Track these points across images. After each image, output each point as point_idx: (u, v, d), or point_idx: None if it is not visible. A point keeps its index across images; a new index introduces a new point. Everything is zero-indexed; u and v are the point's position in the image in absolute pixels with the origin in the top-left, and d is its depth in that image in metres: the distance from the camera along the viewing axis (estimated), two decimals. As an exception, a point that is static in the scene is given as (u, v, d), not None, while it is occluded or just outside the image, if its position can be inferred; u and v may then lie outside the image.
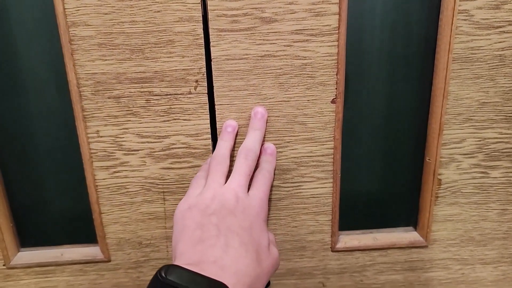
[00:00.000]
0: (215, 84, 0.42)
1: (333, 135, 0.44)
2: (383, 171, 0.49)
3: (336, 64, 0.42)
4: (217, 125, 0.43)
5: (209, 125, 0.43)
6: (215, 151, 0.40)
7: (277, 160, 0.45)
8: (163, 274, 0.30)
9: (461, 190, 0.48)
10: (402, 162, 0.49)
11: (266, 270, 0.34)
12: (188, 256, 0.32)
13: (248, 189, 0.38)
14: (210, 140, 0.44)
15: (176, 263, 0.32)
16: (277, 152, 0.44)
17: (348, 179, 0.49)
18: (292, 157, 0.45)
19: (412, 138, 0.48)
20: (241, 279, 0.31)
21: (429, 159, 0.47)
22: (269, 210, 0.47)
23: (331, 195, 0.47)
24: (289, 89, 0.42)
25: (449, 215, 0.49)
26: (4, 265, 0.48)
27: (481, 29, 0.41)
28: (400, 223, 0.51)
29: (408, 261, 0.51)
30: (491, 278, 0.52)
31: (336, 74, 0.42)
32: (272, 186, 0.46)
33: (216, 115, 0.43)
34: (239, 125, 0.43)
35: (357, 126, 0.47)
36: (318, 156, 0.45)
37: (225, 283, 0.29)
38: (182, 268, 0.30)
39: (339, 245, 0.49)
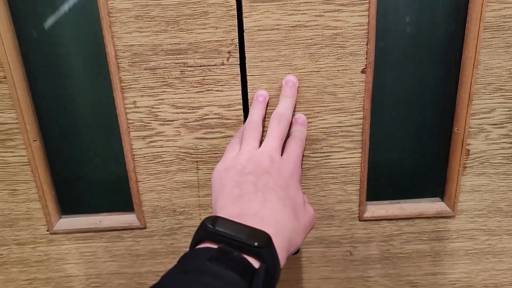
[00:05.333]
0: (247, 55, 0.43)
1: (362, 105, 0.45)
2: (411, 141, 0.50)
3: (366, 34, 0.42)
4: (248, 96, 0.45)
5: (241, 95, 0.45)
6: (247, 118, 0.42)
7: (307, 130, 0.46)
8: (209, 224, 0.31)
9: (490, 161, 0.48)
10: (430, 132, 0.49)
11: (303, 225, 0.36)
12: (229, 210, 0.34)
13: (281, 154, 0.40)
14: (242, 110, 0.45)
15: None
16: (307, 122, 0.45)
17: (377, 149, 0.49)
18: (321, 127, 0.46)
19: (440, 108, 0.48)
20: (280, 230, 0.33)
21: (457, 129, 0.47)
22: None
23: (360, 165, 0.48)
24: (319, 59, 0.43)
25: (476, 186, 0.49)
26: (47, 230, 0.51)
27: (514, -3, 0.41)
28: (427, 193, 0.52)
29: (434, 231, 0.52)
30: (518, 249, 0.53)
31: (366, 44, 0.43)
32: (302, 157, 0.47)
33: (248, 86, 0.44)
34: (270, 95, 0.44)
35: (386, 96, 0.48)
36: (347, 126, 0.46)
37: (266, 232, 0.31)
38: (226, 219, 0.32)
39: (367, 215, 0.50)
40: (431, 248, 0.53)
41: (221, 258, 0.29)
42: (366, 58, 0.43)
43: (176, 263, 0.31)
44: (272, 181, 0.36)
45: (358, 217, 0.50)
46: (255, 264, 0.30)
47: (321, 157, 0.47)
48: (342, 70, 0.44)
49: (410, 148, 0.51)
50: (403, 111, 0.49)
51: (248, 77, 0.44)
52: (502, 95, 0.45)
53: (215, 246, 0.31)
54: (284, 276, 0.54)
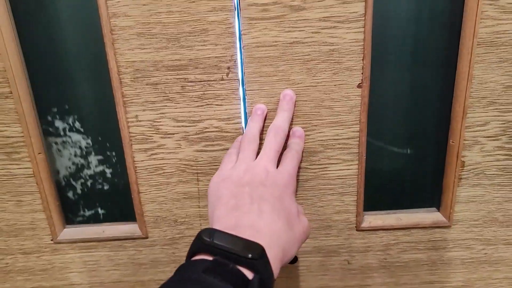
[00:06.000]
0: (245, 71, 0.44)
1: (359, 119, 0.46)
2: (408, 153, 0.51)
3: (362, 49, 0.43)
4: (247, 110, 0.46)
5: (240, 109, 0.46)
6: (245, 131, 0.43)
7: (304, 143, 0.47)
8: (205, 237, 0.32)
9: (485, 172, 0.49)
10: (426, 144, 0.50)
11: (298, 235, 0.37)
12: (225, 221, 0.35)
13: (278, 166, 0.41)
14: (241, 124, 0.46)
15: (214, 227, 0.34)
16: (304, 135, 0.46)
17: (374, 161, 0.50)
18: (319, 140, 0.47)
19: (436, 121, 0.49)
20: (274, 240, 0.34)
21: (453, 142, 0.48)
22: (296, 189, 0.49)
23: (357, 176, 0.49)
24: (316, 74, 0.44)
25: (472, 196, 0.50)
26: (51, 240, 0.52)
27: (507, 13, 0.42)
28: (424, 204, 0.53)
29: (431, 240, 0.52)
30: (514, 258, 0.54)
31: (362, 60, 0.44)
32: (299, 167, 0.48)
33: (247, 100, 0.45)
34: (268, 109, 0.45)
35: (382, 109, 0.49)
36: (344, 139, 0.47)
37: (260, 243, 0.32)
38: (221, 232, 0.33)
39: (364, 225, 0.51)
40: (427, 257, 0.53)
41: (216, 270, 0.30)
42: (362, 73, 0.44)
43: (173, 274, 0.32)
44: (267, 193, 0.37)
45: (356, 227, 0.51)
46: (249, 275, 0.31)
47: (319, 168, 0.48)
48: (339, 84, 0.45)
49: (407, 160, 0.51)
50: (400, 123, 0.50)
51: (246, 92, 0.45)
52: (496, 109, 0.46)
53: (210, 258, 0.32)
54: (283, 285, 0.55)
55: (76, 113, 0.49)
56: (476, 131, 0.47)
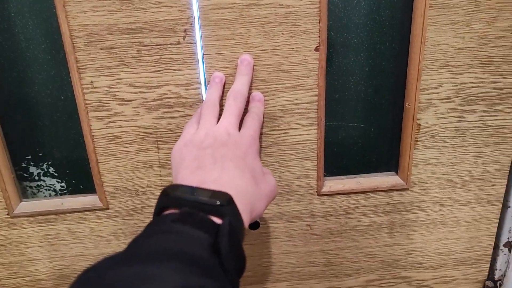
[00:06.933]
0: (202, 34, 0.44)
1: (317, 83, 0.46)
2: (366, 117, 0.52)
3: (318, 12, 0.43)
4: (206, 75, 0.45)
5: (198, 74, 0.45)
6: (205, 99, 0.43)
7: (264, 107, 0.47)
8: (170, 191, 0.32)
9: (439, 134, 0.51)
10: (384, 108, 0.51)
11: (264, 192, 0.37)
12: (189, 181, 0.34)
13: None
14: (201, 90, 0.46)
15: None
16: (264, 100, 0.47)
17: (332, 126, 0.51)
18: (278, 105, 0.47)
19: (392, 85, 0.50)
20: (241, 193, 0.34)
21: (408, 105, 0.49)
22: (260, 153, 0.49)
23: (316, 141, 0.49)
24: (274, 38, 0.44)
25: (428, 159, 0.52)
26: (7, 214, 0.51)
27: (457, -24, 0.43)
28: (382, 168, 0.54)
29: (390, 203, 0.54)
30: (468, 218, 0.56)
31: (319, 22, 0.44)
32: (260, 134, 0.48)
33: (205, 65, 0.45)
34: (226, 74, 0.45)
35: (340, 75, 0.49)
36: (303, 103, 0.47)
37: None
38: (187, 186, 0.33)
39: (325, 189, 0.52)
40: (387, 220, 0.55)
41: (185, 219, 0.30)
42: (319, 36, 0.44)
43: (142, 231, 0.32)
44: (229, 153, 0.37)
45: (317, 192, 0.52)
46: (219, 222, 0.31)
47: (279, 134, 0.49)
48: (296, 48, 0.45)
49: (365, 124, 0.52)
50: (358, 88, 0.51)
51: (204, 56, 0.44)
52: (448, 71, 0.47)
53: (178, 211, 0.31)
54: (246, 252, 0.55)
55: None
56: (430, 94, 0.48)
